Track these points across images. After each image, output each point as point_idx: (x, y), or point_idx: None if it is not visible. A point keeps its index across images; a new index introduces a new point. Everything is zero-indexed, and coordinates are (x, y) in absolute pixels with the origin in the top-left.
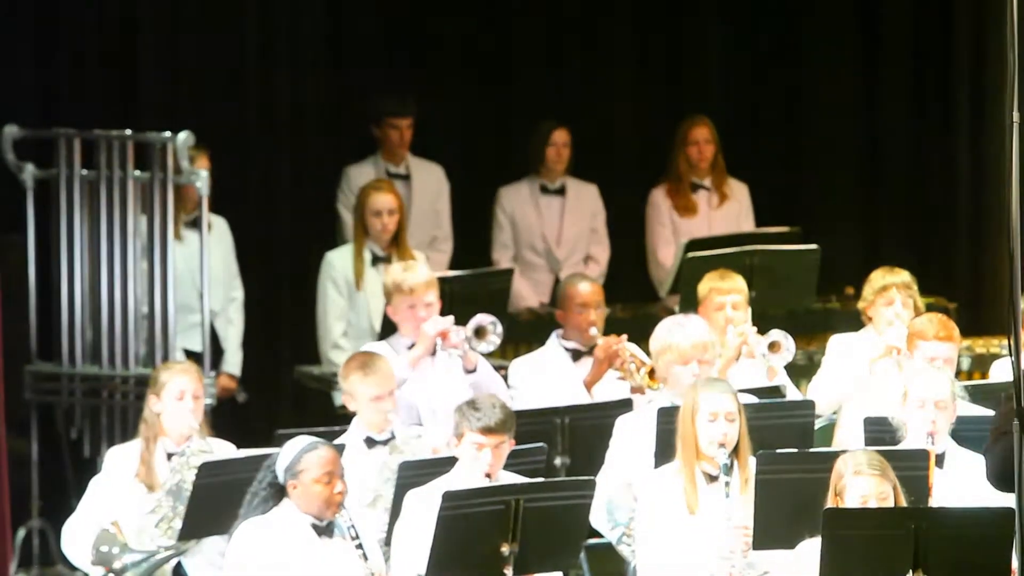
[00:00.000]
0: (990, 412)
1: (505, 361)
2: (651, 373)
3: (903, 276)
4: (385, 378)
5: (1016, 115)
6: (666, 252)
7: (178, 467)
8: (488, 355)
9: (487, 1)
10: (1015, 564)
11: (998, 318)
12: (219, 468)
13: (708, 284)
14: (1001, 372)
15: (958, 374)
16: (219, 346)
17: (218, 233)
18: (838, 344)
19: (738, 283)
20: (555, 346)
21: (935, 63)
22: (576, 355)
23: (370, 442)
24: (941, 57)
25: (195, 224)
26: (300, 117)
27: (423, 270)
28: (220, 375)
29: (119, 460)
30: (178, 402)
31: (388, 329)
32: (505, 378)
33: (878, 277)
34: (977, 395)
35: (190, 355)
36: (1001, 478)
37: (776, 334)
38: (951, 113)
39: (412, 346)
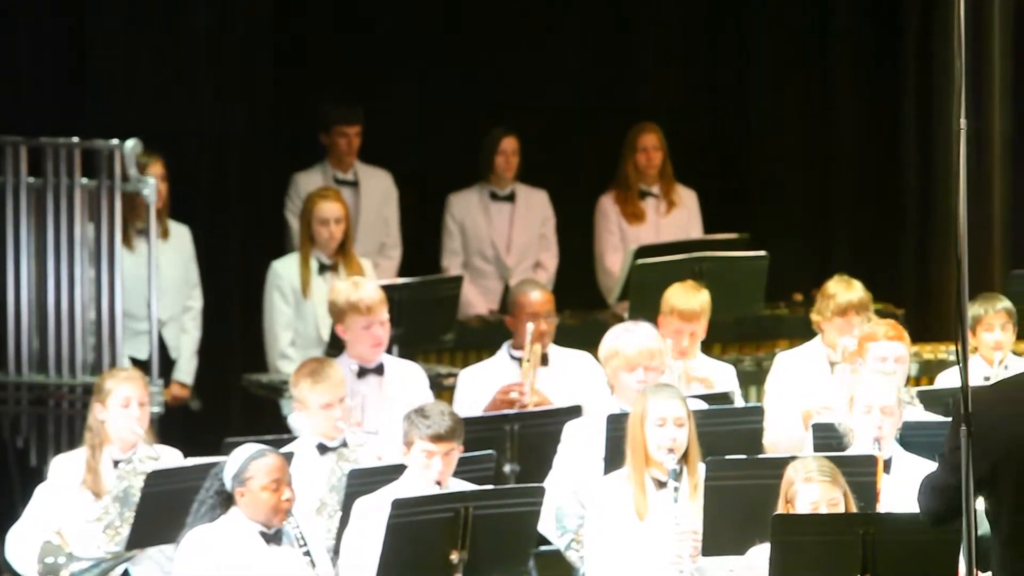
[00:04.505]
0: (938, 417)
1: (455, 369)
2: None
3: (861, 294)
4: (335, 386)
5: (963, 121)
6: (614, 259)
7: (125, 474)
8: (438, 363)
9: (439, 7)
10: (962, 569)
11: (945, 324)
12: (167, 477)
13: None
14: (949, 380)
15: (906, 380)
16: (167, 354)
17: (177, 241)
18: (782, 370)
19: (680, 302)
20: (504, 356)
21: (883, 70)
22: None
23: (322, 448)
24: (889, 64)
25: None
26: (251, 124)
27: (373, 286)
28: (172, 383)
29: (64, 468)
30: (123, 409)
31: (333, 346)
32: (454, 387)
33: (840, 292)
34: (924, 401)
35: (137, 363)
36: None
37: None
38: (899, 119)
39: (359, 368)
